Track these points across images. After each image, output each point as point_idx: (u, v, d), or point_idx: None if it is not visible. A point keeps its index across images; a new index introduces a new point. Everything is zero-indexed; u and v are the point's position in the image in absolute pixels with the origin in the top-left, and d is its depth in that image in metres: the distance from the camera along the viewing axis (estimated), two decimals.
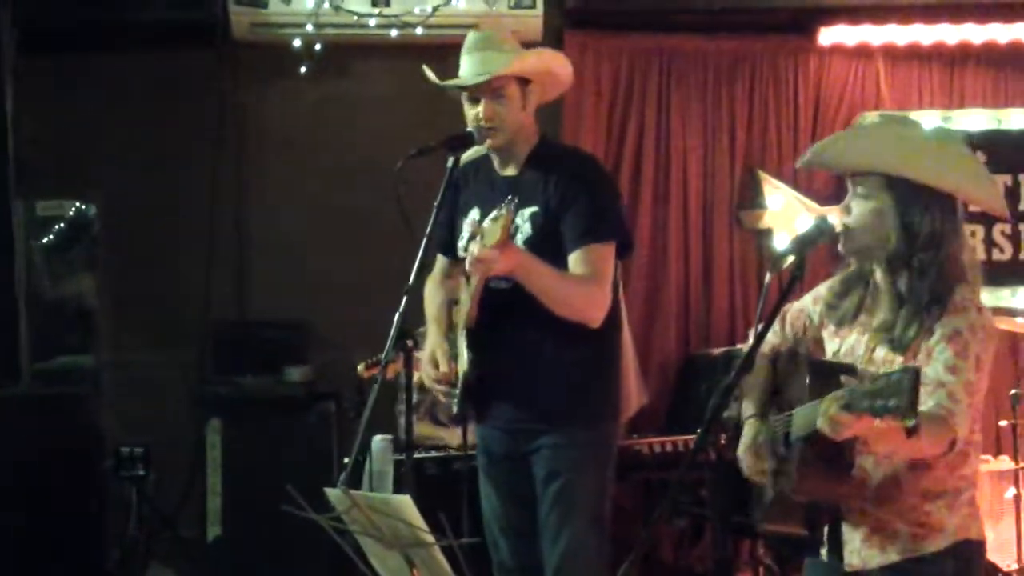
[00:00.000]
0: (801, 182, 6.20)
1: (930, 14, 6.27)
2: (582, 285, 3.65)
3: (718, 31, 6.45)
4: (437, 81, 3.82)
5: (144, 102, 6.21)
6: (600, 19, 6.38)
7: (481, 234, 3.50)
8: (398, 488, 4.94)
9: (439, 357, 3.80)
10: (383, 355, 3.44)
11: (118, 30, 6.01)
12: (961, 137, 4.42)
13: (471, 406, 3.79)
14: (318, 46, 6.10)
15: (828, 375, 2.69)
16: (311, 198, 6.30)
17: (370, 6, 5.96)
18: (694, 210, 6.44)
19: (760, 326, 2.75)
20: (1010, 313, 5.79)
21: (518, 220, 3.65)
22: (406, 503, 2.82)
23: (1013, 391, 5.32)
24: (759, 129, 6.48)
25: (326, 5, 5.92)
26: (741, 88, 6.47)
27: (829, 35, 6.37)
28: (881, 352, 2.82)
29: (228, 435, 5.71)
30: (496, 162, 3.84)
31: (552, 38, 6.02)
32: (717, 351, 6.05)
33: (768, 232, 5.99)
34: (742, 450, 3.02)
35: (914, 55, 6.48)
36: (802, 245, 2.77)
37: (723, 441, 4.46)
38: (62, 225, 6.48)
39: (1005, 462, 5.45)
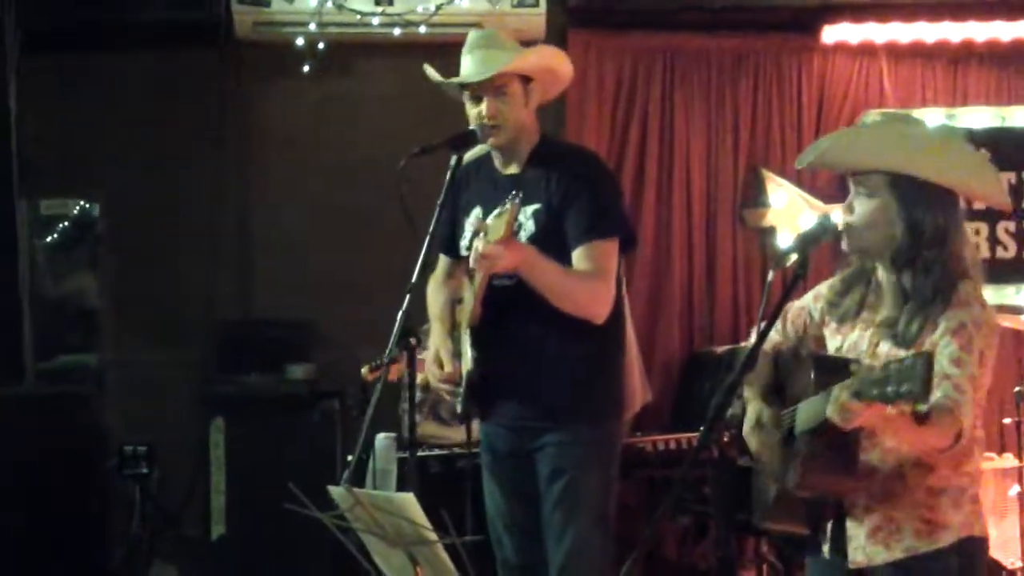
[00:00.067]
0: (804, 180, 6.20)
1: (933, 12, 6.26)
2: (586, 280, 3.65)
3: (721, 29, 6.45)
4: (440, 78, 3.82)
5: (147, 101, 6.22)
6: (603, 18, 6.38)
7: (485, 230, 3.51)
8: (401, 486, 4.95)
9: (443, 356, 3.80)
10: (386, 352, 3.44)
11: (121, 30, 6.01)
12: (962, 134, 4.43)
13: (475, 404, 3.79)
14: (321, 45, 6.10)
15: (833, 370, 2.71)
16: (314, 197, 6.30)
17: (373, 5, 5.96)
18: (697, 208, 6.44)
19: (763, 324, 2.75)
20: (1014, 310, 5.78)
21: (521, 218, 3.65)
22: (409, 501, 2.83)
23: (1017, 388, 5.31)
24: (762, 127, 6.47)
25: (329, 4, 5.92)
26: (744, 86, 6.47)
27: (832, 33, 6.36)
28: (885, 347, 2.82)
29: (232, 434, 5.71)
30: (498, 161, 3.84)
31: (555, 36, 6.01)
32: (721, 349, 6.05)
33: (771, 230, 5.99)
34: (747, 429, 3.03)
35: (918, 53, 6.48)
36: (805, 243, 2.78)
37: (726, 439, 4.47)
38: (66, 224, 6.48)
39: (1009, 460, 5.44)
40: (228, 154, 6.24)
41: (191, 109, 6.21)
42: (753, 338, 2.78)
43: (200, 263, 6.16)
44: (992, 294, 5.98)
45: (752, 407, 3.04)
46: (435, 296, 3.95)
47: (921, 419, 2.52)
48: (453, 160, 3.71)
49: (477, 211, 3.81)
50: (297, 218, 6.30)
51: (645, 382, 5.62)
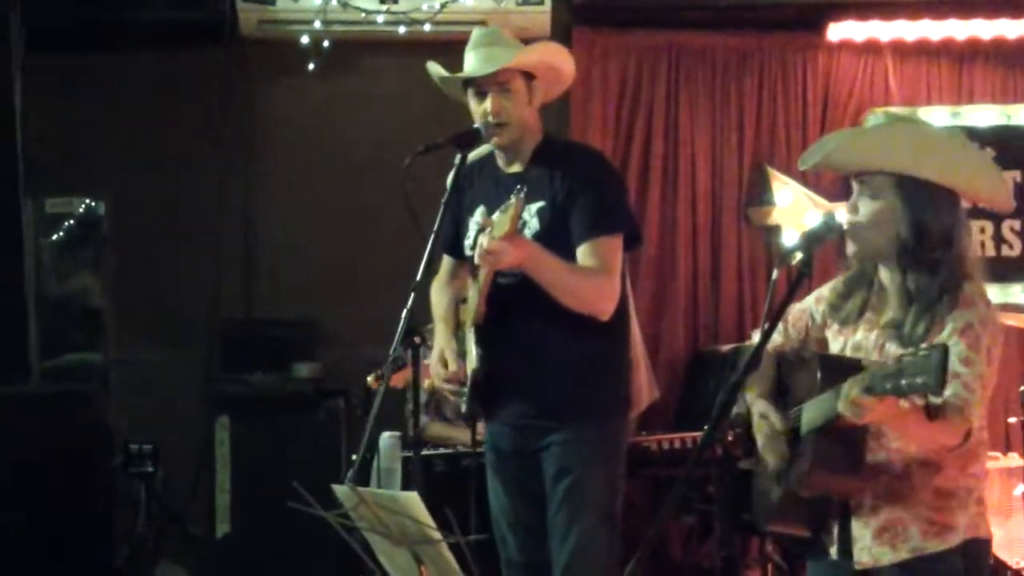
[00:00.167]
0: (809, 178, 6.19)
1: (939, 10, 6.26)
2: (591, 277, 3.65)
3: (726, 27, 6.44)
4: (445, 73, 3.82)
5: (152, 100, 6.23)
6: (608, 16, 6.38)
7: (490, 226, 3.50)
8: (406, 485, 4.95)
9: (448, 356, 3.79)
10: (391, 349, 3.44)
11: (125, 29, 6.02)
12: (965, 134, 4.41)
13: (480, 404, 3.79)
14: (326, 43, 6.11)
15: (839, 369, 2.70)
16: (318, 195, 6.31)
17: (378, 3, 5.96)
18: (702, 207, 6.44)
19: (767, 324, 2.74)
20: (1019, 309, 5.78)
21: (525, 216, 3.65)
22: (414, 500, 2.83)
23: (1022, 388, 5.31)
24: (767, 125, 6.47)
25: (334, 2, 5.93)
26: (749, 84, 6.47)
27: (838, 31, 6.36)
28: (891, 347, 2.82)
29: (237, 432, 5.72)
30: (501, 160, 3.84)
31: (560, 35, 6.01)
32: (726, 347, 6.04)
33: (776, 228, 5.98)
34: (757, 430, 3.01)
35: (923, 51, 6.48)
36: (810, 241, 2.77)
37: (731, 438, 4.46)
38: (71, 223, 6.49)
39: (1014, 459, 5.44)
40: (233, 152, 6.24)
41: (196, 108, 6.22)
42: (756, 338, 2.77)
43: (205, 261, 6.17)
44: (997, 292, 5.98)
45: (756, 408, 3.03)
46: (439, 297, 3.94)
47: (932, 415, 2.51)
48: (457, 159, 3.71)
49: (481, 210, 3.81)
50: (301, 216, 6.31)
51: (652, 379, 5.63)
